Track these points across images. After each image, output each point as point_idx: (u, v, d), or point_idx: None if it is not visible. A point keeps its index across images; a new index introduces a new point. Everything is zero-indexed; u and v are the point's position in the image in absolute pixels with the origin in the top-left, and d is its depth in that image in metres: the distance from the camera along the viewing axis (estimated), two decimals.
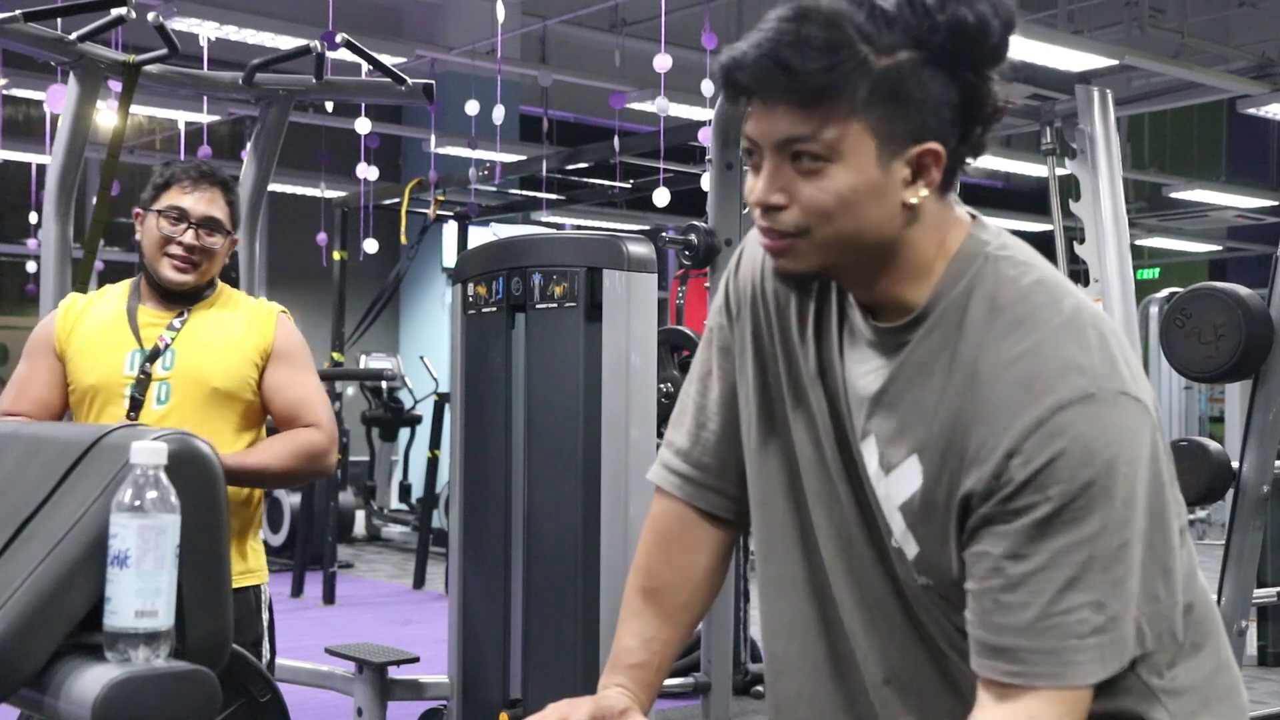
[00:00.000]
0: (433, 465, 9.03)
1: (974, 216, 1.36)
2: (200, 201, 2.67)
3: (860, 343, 1.36)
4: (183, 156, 9.16)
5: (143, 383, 2.58)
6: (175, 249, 2.64)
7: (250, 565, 2.68)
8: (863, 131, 1.23)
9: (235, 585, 2.61)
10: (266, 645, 2.75)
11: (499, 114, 6.51)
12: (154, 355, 2.61)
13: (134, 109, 4.92)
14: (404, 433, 11.10)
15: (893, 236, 1.28)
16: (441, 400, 8.88)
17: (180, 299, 2.67)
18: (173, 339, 2.63)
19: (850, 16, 1.23)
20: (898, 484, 1.32)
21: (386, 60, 4.38)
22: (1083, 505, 1.21)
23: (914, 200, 1.27)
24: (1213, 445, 3.47)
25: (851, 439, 1.37)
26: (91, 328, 2.66)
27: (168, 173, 2.70)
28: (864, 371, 1.35)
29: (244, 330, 2.68)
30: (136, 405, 2.57)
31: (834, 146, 1.23)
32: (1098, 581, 1.21)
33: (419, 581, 8.69)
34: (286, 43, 7.28)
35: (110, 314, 2.68)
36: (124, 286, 2.74)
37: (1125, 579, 1.23)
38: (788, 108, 1.23)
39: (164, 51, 3.86)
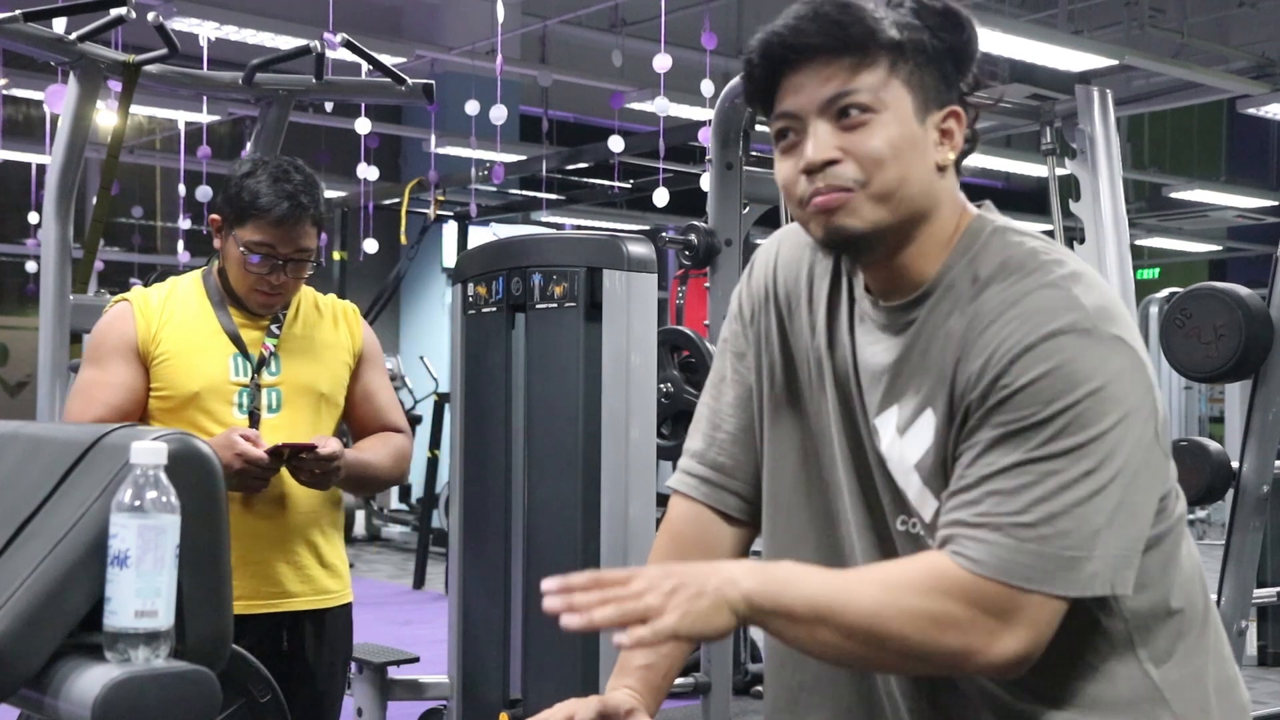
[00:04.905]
0: (433, 465, 9.04)
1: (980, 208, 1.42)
2: (290, 237, 2.49)
3: (871, 327, 1.40)
4: (183, 157, 9.17)
5: (253, 390, 2.51)
6: (264, 286, 2.51)
7: (346, 578, 2.65)
8: (901, 86, 1.33)
9: (343, 601, 2.64)
10: None
11: (499, 114, 6.51)
12: (260, 363, 2.53)
13: (134, 109, 4.92)
14: None
15: (931, 194, 1.35)
16: (441, 400, 8.89)
17: None
18: (275, 345, 2.55)
19: (865, 3, 1.34)
20: (912, 441, 1.35)
21: (386, 60, 4.38)
22: (1057, 429, 1.23)
23: (943, 162, 1.36)
24: (1213, 445, 3.47)
25: (864, 421, 1.39)
26: (180, 330, 2.52)
27: (252, 188, 2.49)
28: (876, 352, 1.39)
29: (333, 332, 2.65)
30: (254, 416, 2.50)
31: (880, 97, 1.32)
32: (1051, 500, 1.23)
33: (419, 581, 8.69)
34: (286, 43, 7.28)
35: (195, 316, 2.54)
36: (193, 284, 2.59)
37: (1084, 504, 1.23)
38: (830, 67, 1.32)
39: (164, 51, 3.86)
